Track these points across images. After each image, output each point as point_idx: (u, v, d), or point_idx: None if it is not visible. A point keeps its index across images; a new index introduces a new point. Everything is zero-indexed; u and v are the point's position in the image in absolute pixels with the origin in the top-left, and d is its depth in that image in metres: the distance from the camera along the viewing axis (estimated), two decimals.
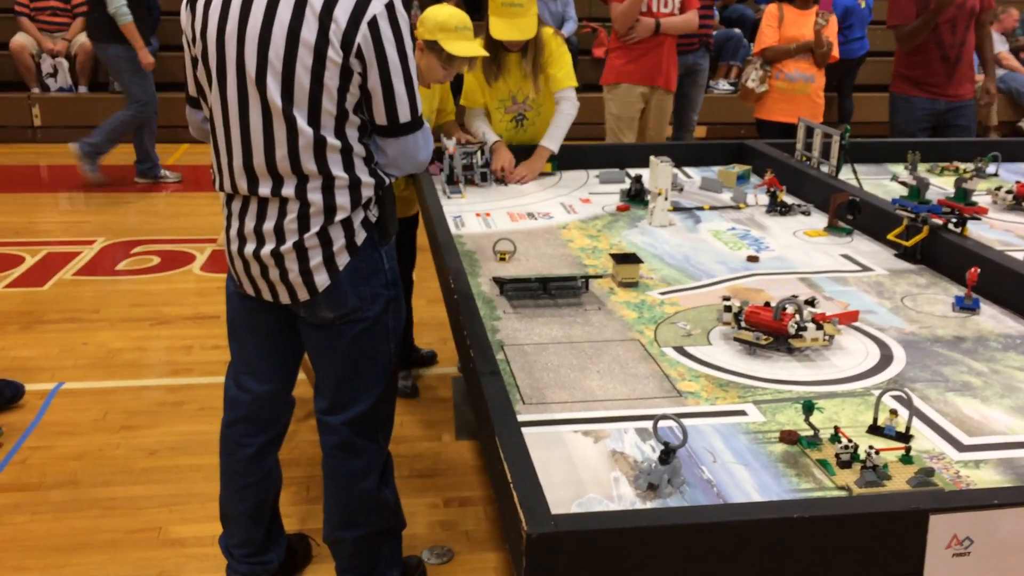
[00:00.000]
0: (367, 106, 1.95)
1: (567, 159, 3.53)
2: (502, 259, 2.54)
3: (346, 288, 2.03)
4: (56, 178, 7.11)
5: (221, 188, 2.07)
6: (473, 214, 2.99)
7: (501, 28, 3.31)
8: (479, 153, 3.31)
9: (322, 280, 2.01)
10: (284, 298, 2.07)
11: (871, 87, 7.60)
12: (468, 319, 1.96)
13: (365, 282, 2.05)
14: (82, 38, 8.16)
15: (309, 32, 1.84)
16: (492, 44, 3.38)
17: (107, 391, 3.56)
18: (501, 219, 2.94)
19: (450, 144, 3.21)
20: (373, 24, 1.86)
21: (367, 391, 2.14)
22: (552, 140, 3.44)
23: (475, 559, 2.61)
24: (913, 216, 2.55)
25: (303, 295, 2.03)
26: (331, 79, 1.87)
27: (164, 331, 4.11)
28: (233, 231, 2.06)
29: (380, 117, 1.96)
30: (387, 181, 2.04)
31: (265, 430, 2.28)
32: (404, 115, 1.96)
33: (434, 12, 2.97)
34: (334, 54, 1.85)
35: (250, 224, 2.02)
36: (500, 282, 2.29)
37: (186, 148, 7.81)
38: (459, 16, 3.01)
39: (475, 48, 3.05)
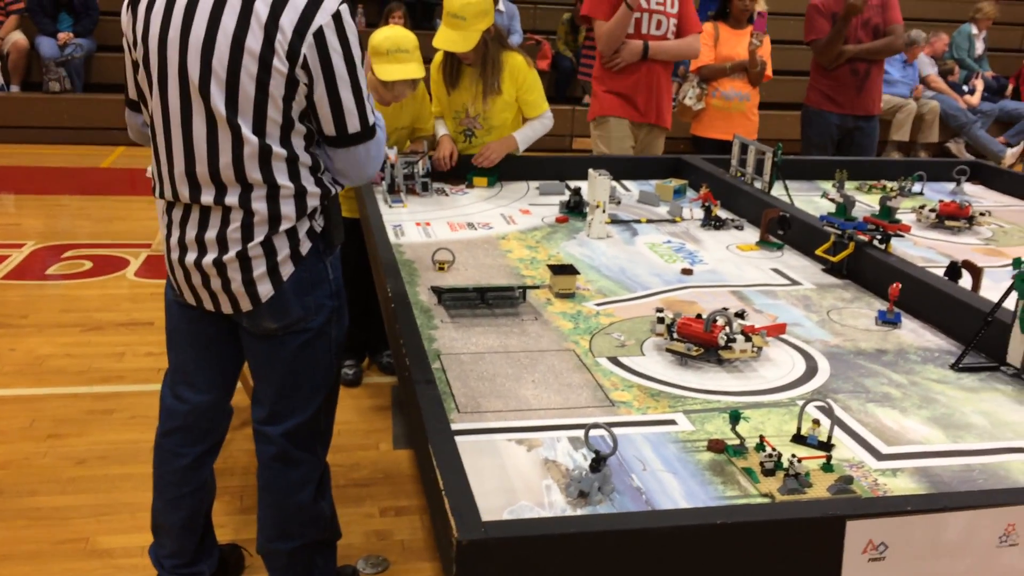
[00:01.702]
0: (315, 116, 1.92)
1: (509, 170, 3.57)
2: (441, 269, 2.55)
3: (290, 298, 2.00)
4: None
5: (161, 195, 2.02)
6: (413, 223, 3.00)
7: (440, 37, 3.38)
8: (420, 163, 3.33)
9: (265, 290, 1.98)
10: (226, 308, 2.04)
11: (785, 105, 7.82)
12: (405, 328, 1.97)
13: (309, 292, 2.03)
14: (15, 36, 7.97)
15: (254, 41, 1.82)
16: (450, 54, 3.44)
17: (34, 398, 3.47)
18: (441, 229, 2.96)
19: (391, 153, 3.22)
20: (319, 34, 1.83)
21: (307, 402, 2.13)
22: (522, 136, 3.55)
23: (410, 568, 2.61)
24: (840, 232, 2.63)
25: (246, 305, 2.01)
26: (276, 88, 1.84)
27: (95, 337, 4.03)
28: (174, 239, 2.02)
29: (328, 128, 1.93)
30: (333, 191, 2.02)
31: (202, 440, 2.25)
32: (353, 125, 1.94)
33: (373, 35, 3.12)
34: (279, 64, 1.83)
35: (191, 232, 1.98)
36: (438, 291, 2.31)
37: (122, 151, 7.66)
38: (393, 39, 3.10)
39: (402, 71, 3.10)
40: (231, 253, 1.95)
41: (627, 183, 3.67)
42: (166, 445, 2.25)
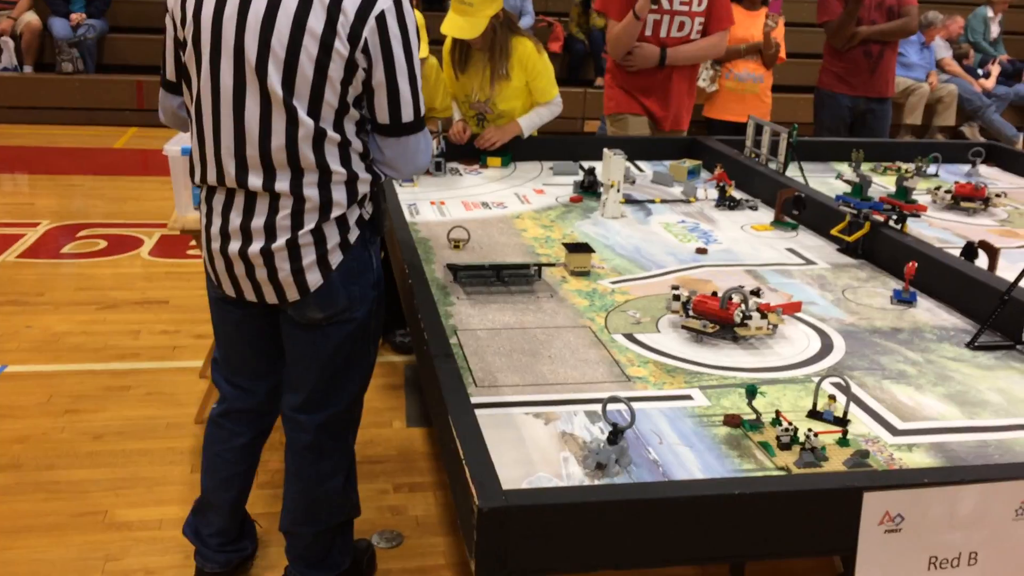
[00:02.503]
0: (369, 103, 1.89)
1: (522, 151, 3.57)
2: (456, 247, 2.56)
3: (337, 288, 1.96)
4: (1, 159, 6.94)
5: (203, 180, 1.96)
6: (427, 202, 3.01)
7: (449, 23, 3.37)
8: (434, 143, 3.33)
9: (314, 279, 1.93)
10: (270, 298, 1.98)
11: (798, 87, 7.79)
12: (423, 303, 1.99)
13: (355, 282, 1.99)
14: (28, 17, 7.99)
15: (316, 22, 1.78)
16: (458, 39, 3.45)
17: (51, 375, 3.50)
18: (455, 208, 2.97)
19: None
20: (381, 20, 1.81)
21: (344, 392, 2.10)
22: (527, 122, 3.55)
23: (424, 544, 2.63)
24: (855, 212, 2.63)
25: (292, 295, 1.95)
26: (336, 71, 1.81)
27: (111, 315, 4.06)
28: (215, 228, 1.95)
29: (382, 115, 1.89)
30: (382, 177, 1.99)
31: (259, 422, 2.24)
32: (407, 115, 1.90)
33: None
34: (340, 46, 1.79)
35: (235, 220, 1.92)
36: (454, 269, 2.32)
37: (134, 131, 7.68)
38: None
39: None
40: (280, 241, 1.90)
41: (641, 163, 3.67)
42: (224, 424, 2.23)
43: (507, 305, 2.19)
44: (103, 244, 4.95)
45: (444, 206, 2.98)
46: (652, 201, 3.14)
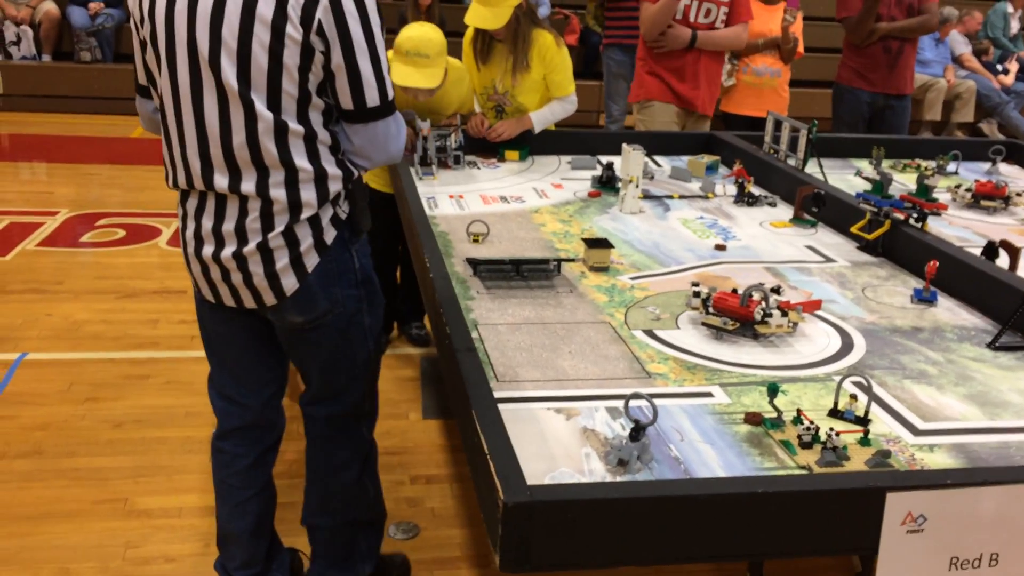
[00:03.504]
0: (331, 88, 1.81)
1: (540, 145, 3.57)
2: (475, 241, 2.57)
3: (316, 291, 1.91)
4: (19, 148, 6.99)
5: (175, 184, 1.91)
6: (446, 196, 3.02)
7: (472, 13, 3.38)
8: (453, 136, 3.34)
9: (290, 283, 1.88)
10: (248, 303, 1.93)
11: (816, 82, 7.75)
12: (444, 298, 2.00)
13: (335, 284, 1.93)
14: (46, 5, 8.02)
15: (266, 7, 1.71)
16: (480, 29, 3.44)
17: (72, 363, 3.54)
18: (474, 202, 2.97)
19: (424, 126, 3.24)
20: None
21: (347, 388, 2.09)
22: (539, 117, 3.53)
23: (440, 535, 2.65)
24: (876, 210, 2.62)
25: (269, 299, 1.90)
26: (291, 58, 1.73)
27: (130, 304, 4.09)
28: (189, 232, 1.91)
29: (345, 100, 1.81)
30: (355, 173, 1.91)
31: (261, 439, 2.16)
32: (372, 99, 1.82)
33: (401, 31, 3.14)
34: (293, 31, 1.71)
35: (208, 224, 1.87)
36: (474, 263, 2.33)
37: None
38: (416, 41, 3.10)
39: (414, 78, 3.09)
40: (251, 245, 1.84)
41: (659, 159, 3.67)
42: (225, 448, 2.15)
43: (527, 300, 2.20)
44: (121, 233, 4.99)
45: (463, 200, 2.98)
46: (670, 197, 3.14)
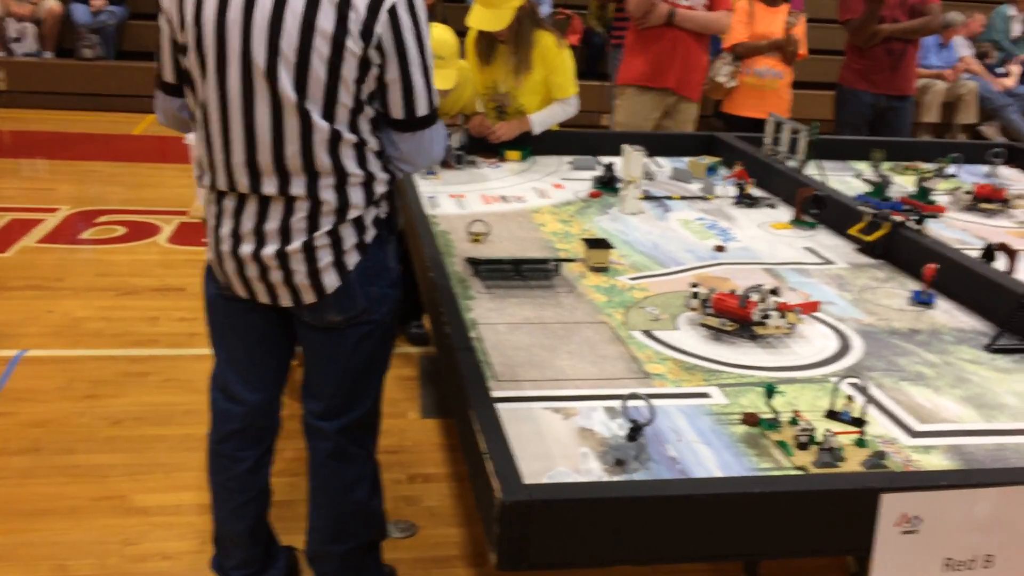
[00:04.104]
0: (382, 99, 1.82)
1: (541, 144, 3.58)
2: (476, 240, 2.57)
3: (356, 289, 1.91)
4: (20, 144, 6.99)
5: (212, 186, 1.90)
6: (447, 195, 3.02)
7: (475, 15, 3.39)
8: (455, 135, 3.34)
9: (331, 282, 1.88)
10: (285, 301, 1.92)
11: (818, 84, 7.75)
12: (443, 297, 2.00)
13: (373, 282, 1.93)
14: (49, 2, 8.03)
15: (326, 20, 1.71)
16: (483, 31, 3.45)
17: (71, 359, 3.54)
18: (475, 201, 2.98)
19: None
20: (393, 12, 1.74)
21: (365, 396, 2.05)
22: (538, 119, 3.54)
23: (438, 533, 2.65)
24: (875, 212, 2.63)
25: (309, 298, 1.90)
26: (348, 70, 1.74)
27: (129, 301, 4.09)
28: (225, 230, 1.89)
29: (397, 111, 1.83)
30: (399, 175, 1.95)
31: (260, 441, 2.14)
32: (422, 108, 1.84)
33: None
34: (353, 44, 1.72)
35: (248, 223, 1.86)
36: (474, 263, 2.33)
37: (153, 118, 7.69)
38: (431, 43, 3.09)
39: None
40: (295, 244, 1.84)
41: (659, 159, 3.67)
42: (224, 451, 2.13)
43: (526, 300, 2.20)
44: (122, 231, 4.99)
45: (463, 199, 2.99)
46: (671, 198, 3.14)
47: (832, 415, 1.72)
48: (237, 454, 2.13)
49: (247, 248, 1.87)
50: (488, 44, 3.53)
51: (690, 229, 2.82)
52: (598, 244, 2.46)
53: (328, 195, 1.83)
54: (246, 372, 2.08)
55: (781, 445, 1.61)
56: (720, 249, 2.65)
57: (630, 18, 4.34)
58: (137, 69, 7.84)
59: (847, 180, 3.44)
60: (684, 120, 4.45)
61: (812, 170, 3.23)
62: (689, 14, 4.24)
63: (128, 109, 7.80)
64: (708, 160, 3.47)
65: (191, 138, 2.85)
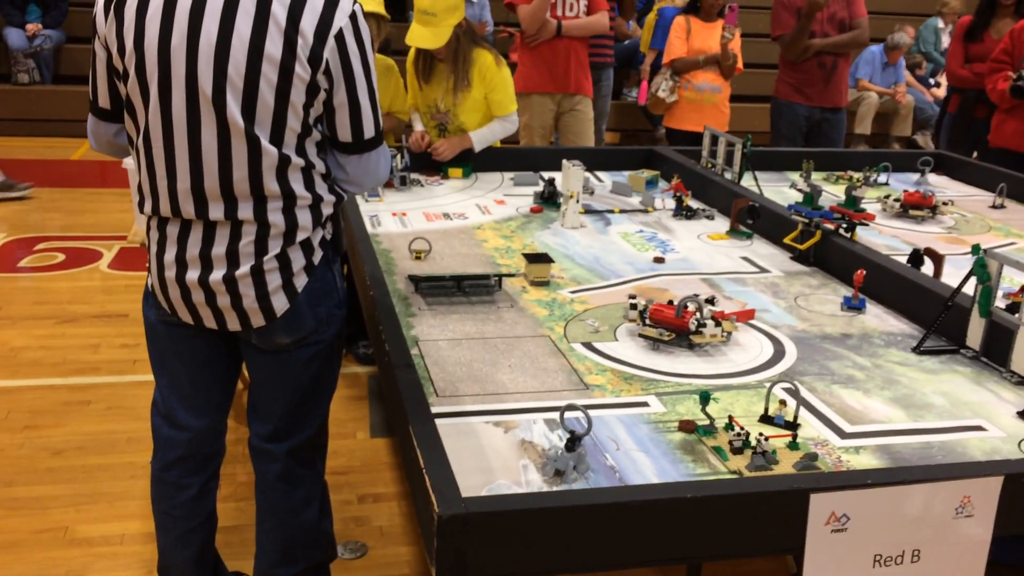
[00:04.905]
0: (329, 122, 1.83)
1: (483, 161, 3.61)
2: (417, 258, 2.59)
3: (304, 311, 1.90)
4: None
5: (155, 212, 1.86)
6: (389, 214, 3.03)
7: (413, 34, 3.41)
8: (398, 156, 3.36)
9: (280, 305, 1.87)
10: (233, 325, 1.90)
11: (754, 97, 7.93)
12: (384, 315, 2.01)
13: (321, 303, 1.93)
14: None
15: (274, 47, 1.70)
16: (422, 49, 3.49)
17: (9, 390, 3.47)
18: (417, 219, 2.99)
19: None
20: (340, 38, 1.75)
21: (313, 416, 2.05)
22: (478, 136, 3.58)
23: (388, 554, 2.65)
24: (807, 221, 2.70)
25: (258, 321, 1.88)
26: (297, 96, 1.74)
27: (70, 329, 4.02)
28: (169, 256, 1.86)
29: (344, 134, 1.84)
30: (344, 198, 1.94)
31: (205, 467, 2.11)
32: (369, 131, 1.86)
33: None
34: (302, 71, 1.72)
35: (193, 249, 1.84)
36: (415, 280, 2.35)
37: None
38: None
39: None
40: (244, 268, 1.82)
41: (600, 174, 3.73)
42: (168, 479, 2.09)
43: (468, 315, 2.22)
44: (61, 257, 4.90)
45: (406, 217, 3.00)
46: (611, 211, 3.19)
47: (766, 419, 1.77)
48: (182, 481, 2.10)
49: (193, 274, 1.85)
50: (427, 62, 3.56)
51: (630, 241, 2.87)
52: (539, 258, 2.49)
53: (276, 218, 1.82)
54: (190, 398, 2.05)
55: (717, 450, 1.64)
56: (659, 261, 2.69)
57: (523, 36, 4.80)
58: (75, 93, 7.71)
59: (782, 190, 3.52)
60: (585, 116, 4.88)
61: (748, 181, 3.31)
62: (574, 23, 4.73)
63: (66, 134, 7.67)
64: (647, 174, 3.53)
65: (129, 163, 2.83)
